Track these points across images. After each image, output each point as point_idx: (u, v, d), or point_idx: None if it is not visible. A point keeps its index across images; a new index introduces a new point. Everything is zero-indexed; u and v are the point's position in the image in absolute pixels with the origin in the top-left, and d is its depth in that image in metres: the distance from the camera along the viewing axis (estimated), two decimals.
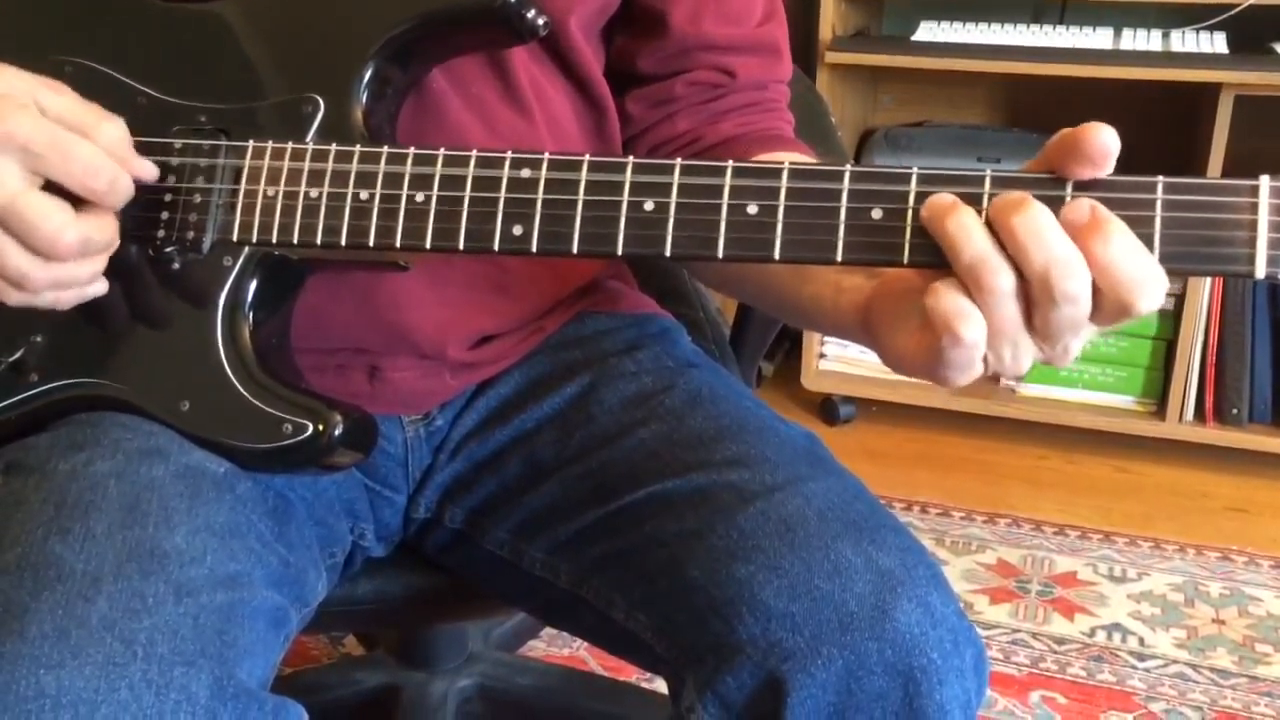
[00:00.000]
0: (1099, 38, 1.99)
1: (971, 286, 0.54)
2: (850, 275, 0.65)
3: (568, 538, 0.77)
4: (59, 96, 0.63)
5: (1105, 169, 0.55)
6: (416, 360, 0.80)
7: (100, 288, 0.66)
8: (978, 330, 0.54)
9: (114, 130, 0.64)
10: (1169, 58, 1.90)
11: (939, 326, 0.55)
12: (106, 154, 0.63)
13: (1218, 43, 1.93)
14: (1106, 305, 0.54)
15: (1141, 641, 1.59)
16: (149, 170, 0.66)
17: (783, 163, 0.60)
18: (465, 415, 0.85)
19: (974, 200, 0.57)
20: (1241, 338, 1.99)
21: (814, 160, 0.81)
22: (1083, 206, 0.54)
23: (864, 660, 0.61)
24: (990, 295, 0.54)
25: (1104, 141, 0.54)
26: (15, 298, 0.63)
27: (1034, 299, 0.54)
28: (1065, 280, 0.53)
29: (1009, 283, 0.54)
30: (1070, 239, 0.53)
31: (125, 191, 0.64)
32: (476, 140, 0.75)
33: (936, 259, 0.57)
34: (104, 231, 0.64)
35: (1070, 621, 1.63)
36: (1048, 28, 2.05)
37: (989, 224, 0.55)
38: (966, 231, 0.54)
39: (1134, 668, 1.53)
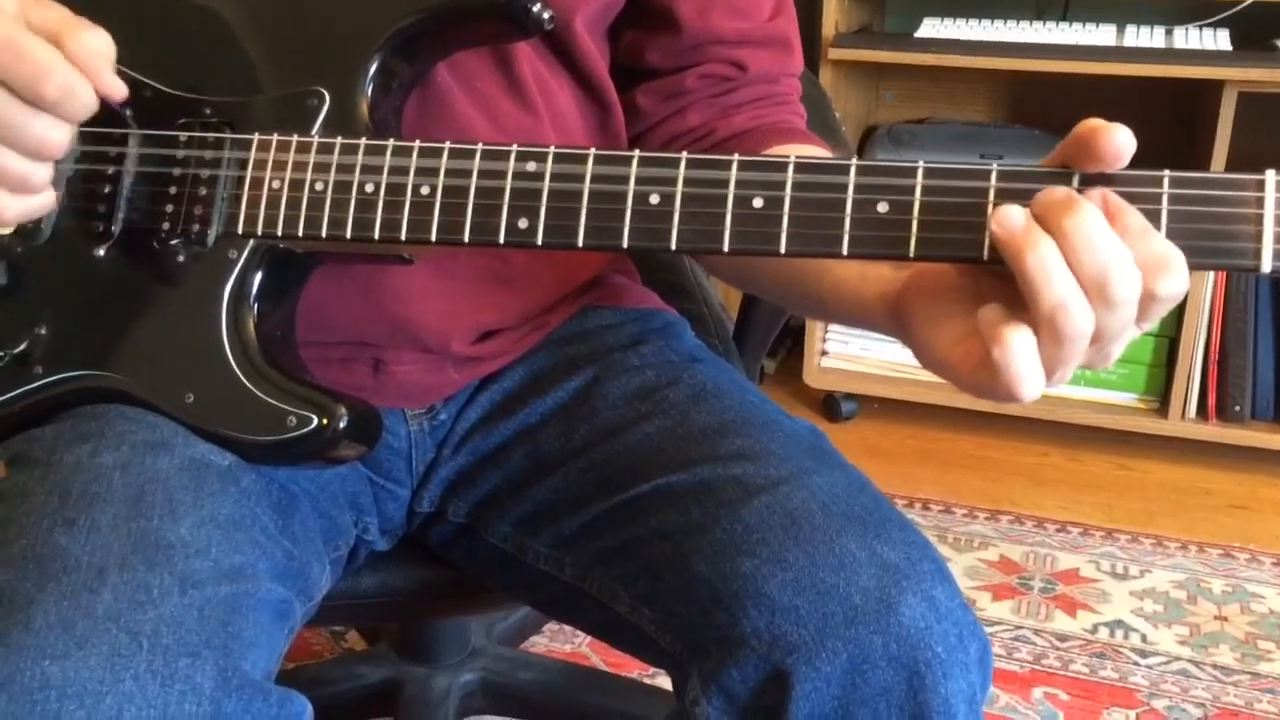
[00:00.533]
0: (1102, 34, 1.99)
1: (1046, 330, 0.53)
2: (875, 264, 0.64)
3: (571, 531, 0.77)
4: (46, 9, 0.62)
5: (1118, 168, 0.55)
6: (420, 354, 0.80)
7: (48, 198, 0.66)
8: (1041, 385, 0.54)
9: (92, 40, 0.62)
10: (1172, 54, 1.90)
11: (1004, 378, 0.53)
12: (74, 60, 0.61)
13: (1221, 39, 1.93)
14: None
15: (1144, 638, 1.59)
16: (118, 88, 0.64)
17: (789, 156, 0.60)
18: (469, 409, 0.85)
19: (980, 194, 0.56)
20: (1244, 335, 1.99)
21: (826, 153, 0.81)
22: (1094, 197, 0.54)
23: (869, 654, 0.61)
24: (1068, 343, 0.53)
25: (1119, 143, 0.53)
26: (15, 210, 0.63)
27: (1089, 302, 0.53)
28: (1121, 285, 0.52)
29: (1090, 326, 0.53)
30: (1124, 242, 0.53)
31: (84, 101, 0.62)
32: (481, 135, 0.75)
33: (944, 253, 0.57)
34: (62, 138, 0.62)
35: (1073, 618, 1.63)
36: (1051, 24, 2.05)
37: (1036, 219, 0.53)
38: (1047, 273, 0.52)
39: (1136, 664, 1.53)
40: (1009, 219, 0.54)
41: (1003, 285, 0.56)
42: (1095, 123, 0.54)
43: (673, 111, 0.84)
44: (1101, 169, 0.55)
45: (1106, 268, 0.52)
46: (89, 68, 0.62)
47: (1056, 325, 0.53)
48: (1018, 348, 0.53)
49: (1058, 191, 0.54)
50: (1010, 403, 0.55)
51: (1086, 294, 0.52)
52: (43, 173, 0.63)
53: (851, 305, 0.67)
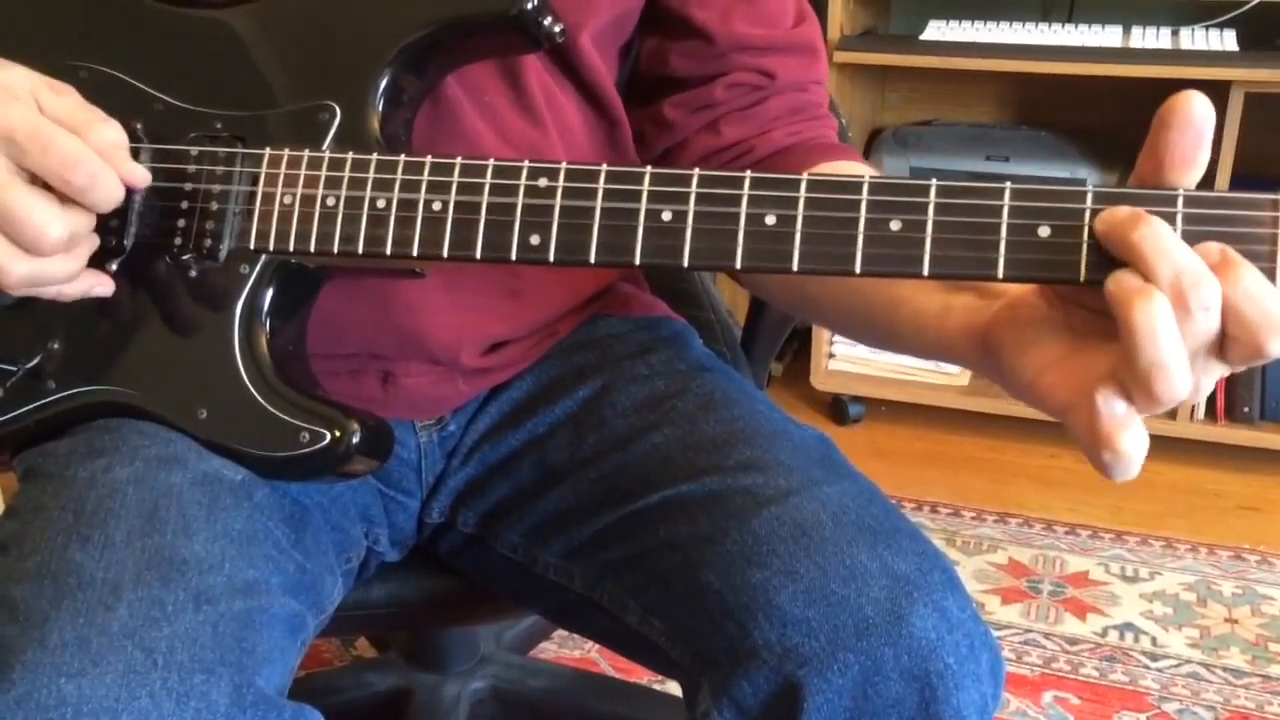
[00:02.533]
0: (1108, 35, 1.99)
1: (1140, 386, 0.51)
2: (960, 294, 0.63)
3: (581, 541, 0.77)
4: (59, 96, 0.63)
5: (1206, 133, 0.52)
6: (430, 366, 0.80)
7: (106, 289, 0.66)
8: (1136, 471, 0.53)
9: (108, 132, 0.63)
10: (1178, 55, 1.90)
11: (1107, 471, 0.52)
12: (98, 152, 0.62)
13: (1228, 40, 1.93)
14: (1238, 349, 0.51)
15: (1154, 641, 1.59)
16: (139, 175, 0.65)
17: (801, 174, 0.59)
18: (478, 419, 0.85)
19: (993, 212, 0.56)
20: None
21: (870, 169, 0.81)
22: (1212, 249, 0.52)
23: (880, 666, 0.61)
24: (1159, 403, 0.51)
25: (1198, 110, 0.51)
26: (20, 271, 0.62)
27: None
28: (1198, 286, 0.50)
29: (1187, 390, 0.51)
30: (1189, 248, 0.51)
31: (109, 192, 0.63)
32: (490, 149, 0.76)
33: (957, 272, 0.57)
34: (87, 226, 0.63)
35: (1082, 621, 1.63)
36: (1056, 26, 2.04)
37: (1101, 241, 0.52)
38: (1154, 331, 0.50)
39: (1147, 667, 1.53)
40: (1126, 280, 0.51)
41: (1093, 318, 0.55)
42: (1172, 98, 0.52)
43: (704, 124, 0.83)
44: (1190, 138, 0.52)
45: (1180, 272, 0.50)
46: (111, 158, 0.63)
47: (1151, 382, 0.50)
48: (1130, 447, 0.52)
49: (1116, 210, 0.52)
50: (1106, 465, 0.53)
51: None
52: (20, 266, 0.61)
53: (933, 338, 0.65)
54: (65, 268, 0.63)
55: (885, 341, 0.71)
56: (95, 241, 0.65)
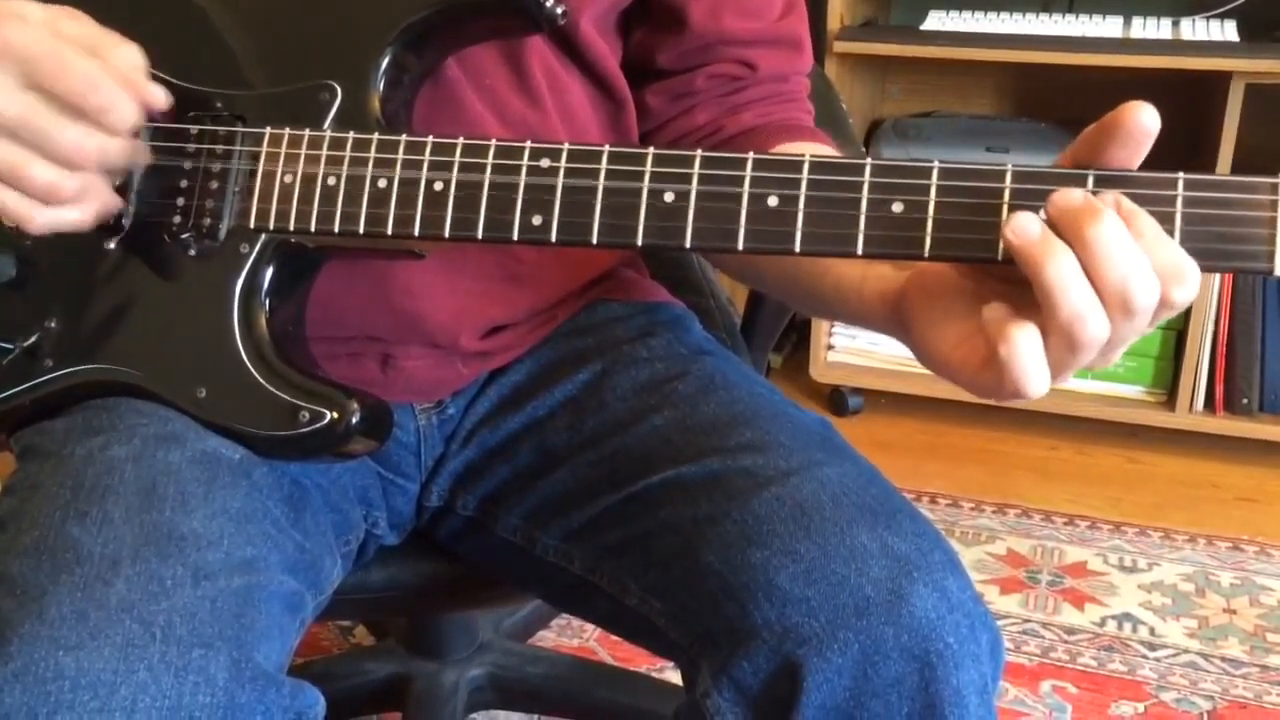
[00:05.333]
0: (1108, 26, 1.99)
1: (1061, 338, 0.53)
2: (876, 265, 0.65)
3: (581, 524, 0.77)
4: (76, 21, 0.62)
5: (1143, 150, 0.54)
6: (429, 349, 0.80)
7: (78, 216, 0.66)
8: (1047, 383, 0.54)
9: (127, 53, 0.63)
10: (1179, 46, 1.89)
11: (1010, 376, 0.53)
12: (115, 75, 0.62)
13: (1228, 31, 1.92)
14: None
15: (1152, 631, 1.59)
16: (157, 97, 0.65)
17: (803, 155, 0.59)
18: (477, 403, 0.85)
19: (995, 194, 0.56)
20: (1252, 328, 1.98)
21: (834, 150, 0.81)
22: (1108, 201, 0.53)
23: (880, 645, 0.61)
24: (1082, 350, 0.53)
25: (1144, 120, 0.53)
26: (43, 218, 0.63)
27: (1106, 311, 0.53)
28: (1141, 294, 0.52)
29: (1106, 332, 0.53)
30: (1142, 250, 0.52)
31: (127, 114, 0.63)
32: (490, 130, 0.75)
33: (958, 254, 0.57)
34: (116, 149, 0.63)
35: (1081, 611, 1.63)
36: (1057, 16, 2.04)
37: (1051, 225, 0.53)
38: (1065, 284, 0.52)
39: (1145, 657, 1.53)
40: (1024, 228, 0.53)
41: (1005, 288, 0.56)
42: (1120, 106, 0.54)
43: (681, 111, 0.85)
44: (1127, 151, 0.54)
45: (1128, 279, 0.52)
46: (127, 81, 0.62)
47: (1073, 334, 0.53)
48: (1024, 345, 0.53)
49: (1074, 196, 0.54)
50: (1014, 399, 0.55)
51: (1105, 304, 0.52)
52: (71, 183, 0.62)
53: (854, 305, 0.67)
54: (105, 187, 0.64)
55: (818, 309, 0.74)
56: (123, 152, 0.64)
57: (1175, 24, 1.98)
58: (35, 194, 0.62)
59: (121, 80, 0.62)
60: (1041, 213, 0.54)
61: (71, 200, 0.63)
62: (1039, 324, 0.53)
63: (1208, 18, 1.98)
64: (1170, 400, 2.04)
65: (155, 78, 0.69)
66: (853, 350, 2.19)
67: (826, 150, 0.80)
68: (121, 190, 0.69)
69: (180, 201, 0.68)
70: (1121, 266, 0.52)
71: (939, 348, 0.59)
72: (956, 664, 0.62)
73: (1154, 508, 1.91)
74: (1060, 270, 0.52)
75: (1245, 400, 2.01)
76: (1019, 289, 0.55)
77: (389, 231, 0.65)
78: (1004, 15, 2.03)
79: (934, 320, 0.59)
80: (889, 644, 0.61)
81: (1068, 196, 0.54)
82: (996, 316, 0.54)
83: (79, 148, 0.61)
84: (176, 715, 0.54)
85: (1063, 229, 0.53)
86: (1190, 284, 0.53)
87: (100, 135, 0.62)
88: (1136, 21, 2.00)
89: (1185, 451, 2.05)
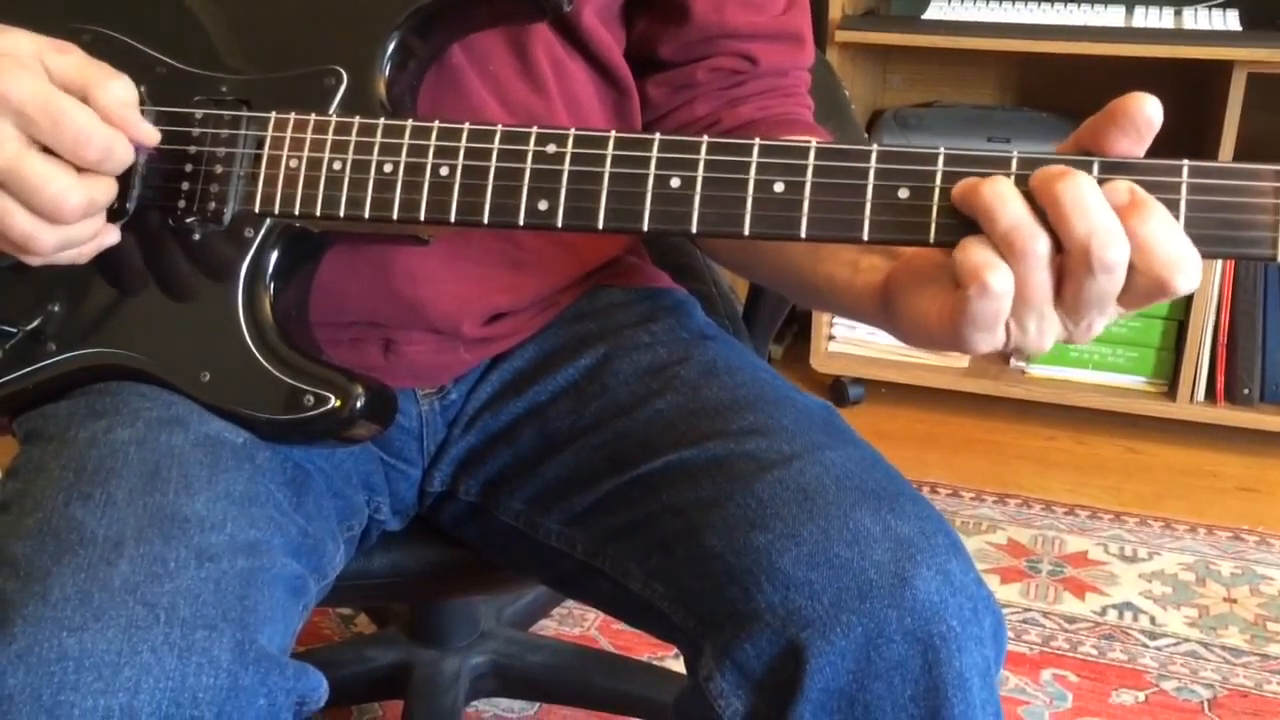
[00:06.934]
0: (1110, 15, 1.99)
1: (1006, 251, 0.54)
2: (868, 255, 0.65)
3: (583, 508, 0.77)
4: (64, 56, 0.62)
5: (1147, 140, 0.55)
6: (431, 335, 0.80)
7: (114, 237, 0.66)
8: (1006, 281, 0.54)
9: (118, 90, 0.63)
10: (1181, 35, 1.89)
11: (966, 277, 0.54)
12: (107, 116, 0.62)
13: (1230, 20, 1.92)
14: (1141, 285, 0.54)
15: (1153, 620, 1.59)
16: (150, 135, 0.65)
17: (810, 141, 0.59)
18: (479, 388, 0.85)
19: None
20: (1253, 318, 1.98)
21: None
22: (1121, 188, 0.54)
23: (883, 628, 0.61)
24: (1025, 259, 0.54)
25: (1149, 111, 0.54)
26: (27, 260, 0.63)
27: (1069, 270, 0.54)
28: (1106, 249, 0.53)
29: (1044, 247, 0.54)
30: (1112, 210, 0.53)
31: (122, 158, 0.63)
32: (494, 117, 0.76)
33: (964, 237, 0.57)
34: (107, 193, 0.63)
35: (1081, 601, 1.63)
36: (1059, 5, 2.04)
37: (1029, 197, 0.55)
38: (1003, 199, 0.54)
39: (1145, 646, 1.53)
40: (966, 179, 0.56)
41: None
42: (1126, 95, 0.55)
43: (681, 103, 0.85)
44: (1130, 140, 0.55)
45: (1092, 231, 0.53)
46: (120, 121, 0.62)
47: (1011, 241, 0.54)
48: (974, 243, 0.55)
49: (1052, 166, 0.55)
50: (981, 332, 0.56)
51: (1070, 258, 0.54)
52: (49, 235, 0.62)
53: (845, 298, 0.68)
54: (92, 228, 0.64)
55: (812, 300, 0.75)
56: (114, 194, 0.65)
57: (1177, 13, 1.98)
58: (12, 244, 0.62)
59: (116, 120, 0.62)
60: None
61: (49, 251, 0.63)
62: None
63: (1210, 7, 1.98)
64: (1171, 390, 2.04)
65: (158, 60, 0.69)
66: (853, 340, 2.19)
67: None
68: (125, 175, 0.69)
69: (185, 186, 0.68)
70: (1088, 220, 0.53)
71: (924, 315, 0.59)
72: (960, 647, 0.62)
73: (1154, 497, 1.91)
74: (995, 189, 0.54)
75: (1246, 390, 2.01)
76: None
77: (394, 217, 0.65)
78: (1006, 4, 2.03)
79: (918, 292, 0.60)
80: (892, 627, 0.61)
81: (1045, 169, 0.55)
82: (965, 255, 0.55)
83: (60, 204, 0.61)
84: (180, 696, 0.54)
85: (1039, 194, 0.55)
86: (1192, 273, 0.54)
87: (87, 188, 0.62)
88: (1139, 11, 2.00)
89: (1186, 441, 2.05)
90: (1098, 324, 0.56)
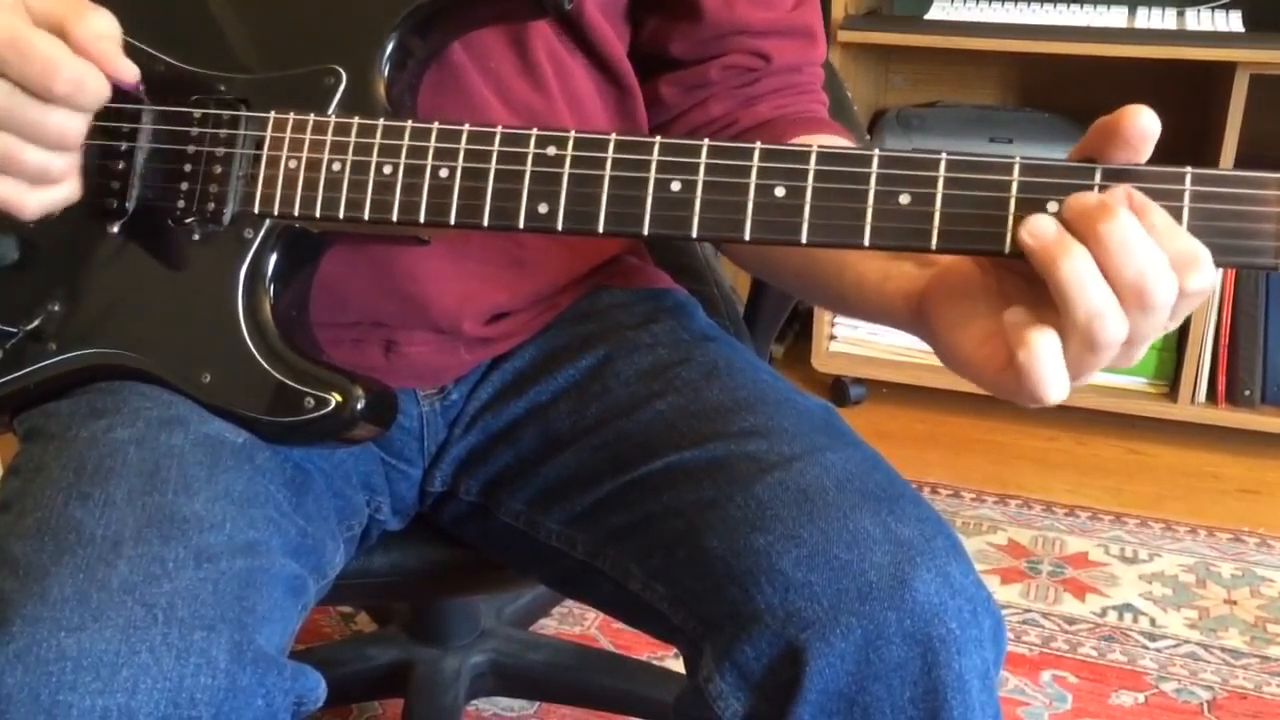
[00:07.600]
0: (1113, 16, 1.98)
1: (1080, 338, 0.53)
2: (899, 262, 0.65)
3: (584, 508, 0.77)
4: None
5: (1145, 152, 0.55)
6: (432, 335, 0.80)
7: (69, 189, 0.65)
8: (1066, 388, 0.53)
9: (95, 22, 0.60)
10: (1184, 36, 1.89)
11: (1029, 382, 0.53)
12: (84, 49, 0.60)
13: (1233, 21, 1.92)
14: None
15: (1153, 622, 1.59)
16: (128, 69, 0.63)
17: (811, 146, 0.59)
18: (480, 388, 0.85)
19: (1003, 187, 0.56)
20: (1254, 319, 1.98)
21: (848, 143, 0.81)
22: (1119, 196, 0.54)
23: (883, 630, 0.61)
24: (1104, 349, 0.53)
25: (1143, 125, 0.53)
26: (35, 201, 0.63)
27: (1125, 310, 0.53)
28: (1158, 289, 0.52)
29: (1125, 332, 0.53)
30: (1156, 243, 0.53)
31: (95, 91, 0.61)
32: (494, 115, 0.75)
33: (965, 246, 0.57)
34: (79, 129, 0.62)
35: (1081, 602, 1.63)
36: (1061, 6, 2.04)
37: (1066, 225, 0.54)
38: (1082, 283, 0.52)
39: (1145, 648, 1.53)
40: (1041, 230, 0.54)
41: (1027, 285, 0.56)
42: (1115, 112, 0.54)
43: (695, 102, 0.84)
44: (1127, 154, 0.55)
45: (1144, 274, 0.52)
46: (96, 54, 0.61)
47: (1092, 334, 0.53)
48: (1043, 351, 0.53)
49: (1089, 197, 0.54)
50: (1034, 405, 0.55)
51: (1123, 301, 0.52)
52: (61, 162, 0.63)
53: (874, 303, 0.67)
54: (71, 189, 0.64)
55: (835, 305, 0.74)
56: (85, 130, 0.63)
57: (1180, 14, 1.98)
58: (29, 177, 0.62)
59: (93, 53, 0.60)
60: (1055, 211, 0.54)
61: (60, 178, 0.63)
62: (1058, 327, 0.53)
63: (1212, 8, 1.98)
64: (1172, 391, 2.04)
65: (156, 58, 0.69)
66: (854, 340, 2.19)
67: (841, 142, 0.80)
68: (124, 174, 0.69)
69: (184, 186, 0.68)
70: (1136, 261, 0.52)
71: (961, 348, 0.59)
72: (959, 649, 0.62)
73: (1155, 498, 1.91)
74: (1075, 268, 0.52)
75: (1247, 392, 2.01)
76: (1041, 287, 0.55)
77: (394, 218, 0.65)
78: (1008, 5, 2.03)
79: (956, 320, 0.59)
80: (891, 628, 0.61)
81: (1082, 198, 0.54)
82: (1016, 321, 0.54)
83: (64, 130, 0.61)
84: (178, 697, 0.54)
85: (1077, 228, 0.53)
86: (1205, 271, 0.53)
87: (79, 116, 0.61)
88: (1141, 11, 2.00)
89: (1186, 442, 2.05)
90: (1141, 350, 0.55)
